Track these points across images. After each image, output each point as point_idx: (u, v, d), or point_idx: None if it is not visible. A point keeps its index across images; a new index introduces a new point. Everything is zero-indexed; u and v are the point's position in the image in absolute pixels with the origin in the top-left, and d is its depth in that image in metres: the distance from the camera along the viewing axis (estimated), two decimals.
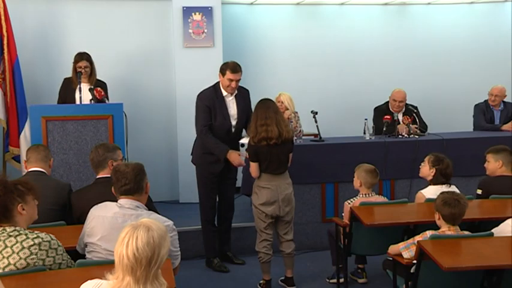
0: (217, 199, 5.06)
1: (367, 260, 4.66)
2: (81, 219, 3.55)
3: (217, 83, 4.86)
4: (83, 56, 5.47)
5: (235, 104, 4.86)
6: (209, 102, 4.77)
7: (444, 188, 4.09)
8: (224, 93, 4.82)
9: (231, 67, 4.75)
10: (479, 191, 4.38)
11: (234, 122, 4.85)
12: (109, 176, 3.69)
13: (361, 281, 4.61)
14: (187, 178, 6.20)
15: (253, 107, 4.53)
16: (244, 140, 4.70)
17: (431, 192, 4.14)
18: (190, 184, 5.99)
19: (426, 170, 4.34)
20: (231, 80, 4.74)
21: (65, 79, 5.67)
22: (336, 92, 7.46)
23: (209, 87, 4.88)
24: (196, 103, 4.85)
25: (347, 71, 7.49)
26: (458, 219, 3.40)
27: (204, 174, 4.91)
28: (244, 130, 4.99)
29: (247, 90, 5.04)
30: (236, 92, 4.87)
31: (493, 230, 3.45)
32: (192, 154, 5.07)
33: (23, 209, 2.74)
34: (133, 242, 2.03)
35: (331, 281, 4.65)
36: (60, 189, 3.82)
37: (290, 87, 7.05)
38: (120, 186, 3.04)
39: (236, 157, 4.69)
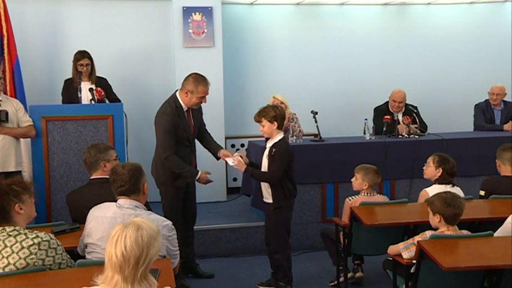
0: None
1: (364, 260, 4.65)
2: (78, 220, 3.56)
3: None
4: (84, 54, 5.57)
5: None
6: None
7: (449, 188, 4.09)
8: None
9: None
10: (482, 192, 4.35)
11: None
12: (102, 176, 3.73)
13: (358, 275, 4.57)
14: None
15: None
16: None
17: (436, 191, 4.11)
18: None
19: (432, 171, 4.31)
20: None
21: (66, 80, 5.71)
22: (336, 92, 7.46)
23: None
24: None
25: (347, 71, 7.50)
26: (459, 218, 3.40)
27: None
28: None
29: None
30: None
31: (496, 233, 3.45)
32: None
33: (21, 209, 2.75)
34: (122, 241, 2.04)
35: (330, 283, 4.64)
36: None
37: (290, 87, 7.07)
38: (116, 188, 3.08)
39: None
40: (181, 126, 4.43)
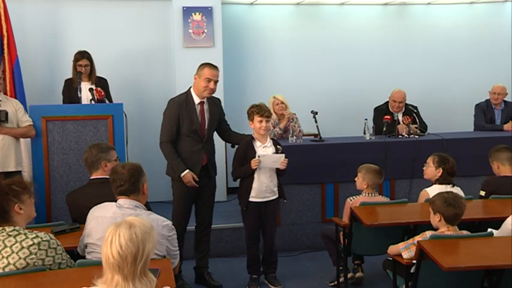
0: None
1: (364, 260, 4.65)
2: (78, 221, 3.56)
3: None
4: (83, 55, 5.57)
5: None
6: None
7: (449, 188, 4.08)
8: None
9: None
10: (482, 193, 4.35)
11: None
12: (103, 177, 3.73)
13: (358, 275, 4.57)
14: None
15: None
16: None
17: (437, 191, 4.10)
18: None
19: (432, 171, 4.31)
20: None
21: (66, 80, 5.73)
22: (336, 92, 7.46)
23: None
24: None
25: (347, 71, 7.49)
26: (459, 219, 3.40)
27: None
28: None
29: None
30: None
31: (496, 233, 3.44)
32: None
33: (20, 209, 2.75)
34: (117, 240, 2.05)
35: (330, 283, 4.64)
36: None
37: (290, 87, 7.07)
38: (116, 187, 3.08)
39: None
40: (187, 117, 4.46)
